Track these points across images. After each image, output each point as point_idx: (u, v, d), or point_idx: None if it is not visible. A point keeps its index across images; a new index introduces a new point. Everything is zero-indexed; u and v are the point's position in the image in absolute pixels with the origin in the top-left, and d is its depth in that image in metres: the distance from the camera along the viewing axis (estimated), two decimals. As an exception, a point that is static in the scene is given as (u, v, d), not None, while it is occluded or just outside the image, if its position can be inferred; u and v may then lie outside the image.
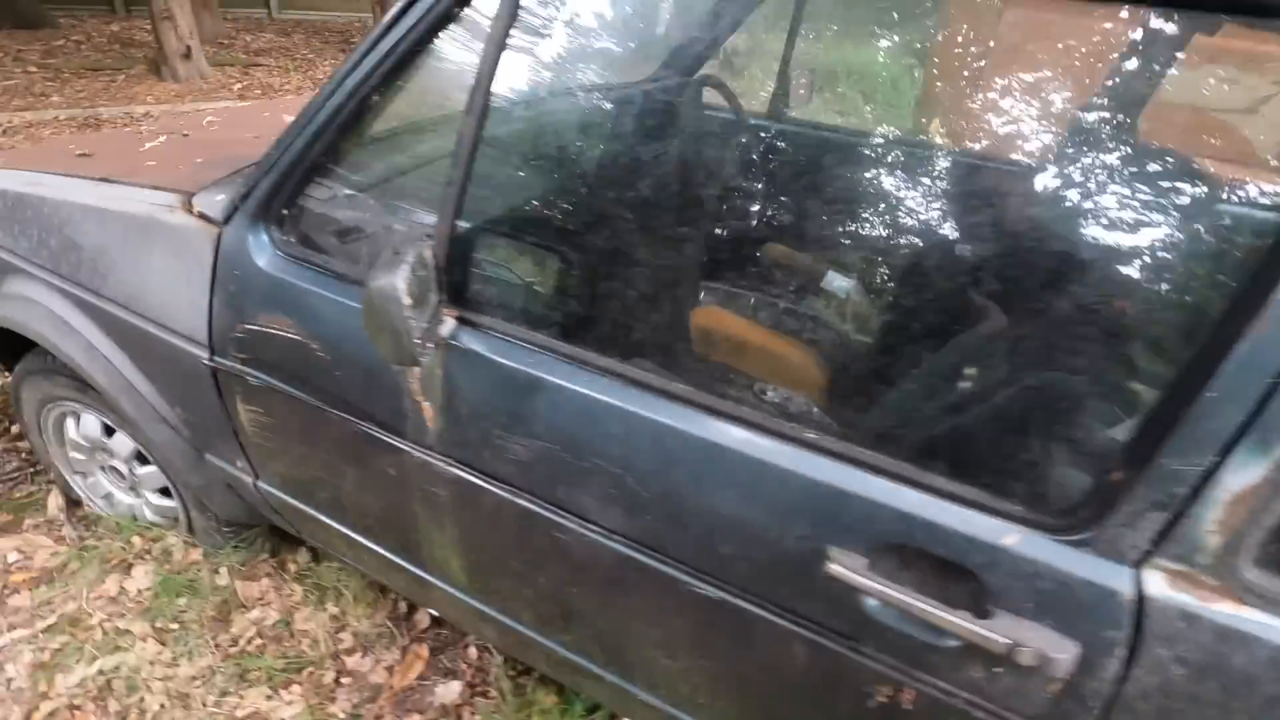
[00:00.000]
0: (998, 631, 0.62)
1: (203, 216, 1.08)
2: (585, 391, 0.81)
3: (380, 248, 0.87)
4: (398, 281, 0.71)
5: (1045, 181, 1.19)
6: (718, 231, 1.31)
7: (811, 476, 0.70)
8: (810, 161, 1.50)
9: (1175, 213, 0.92)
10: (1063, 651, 0.61)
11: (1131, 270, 0.87)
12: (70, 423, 1.51)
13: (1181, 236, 0.91)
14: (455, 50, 0.84)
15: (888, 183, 1.21)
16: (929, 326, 0.93)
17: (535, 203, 1.07)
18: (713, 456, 0.75)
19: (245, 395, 1.11)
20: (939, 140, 1.57)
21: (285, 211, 1.01)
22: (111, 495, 1.60)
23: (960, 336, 0.88)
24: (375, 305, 0.72)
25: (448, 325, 0.85)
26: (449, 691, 1.36)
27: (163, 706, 1.26)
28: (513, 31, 0.77)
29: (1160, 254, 0.88)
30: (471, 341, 0.86)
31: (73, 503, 1.67)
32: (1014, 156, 1.32)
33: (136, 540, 1.52)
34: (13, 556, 1.53)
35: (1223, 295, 0.70)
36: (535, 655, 1.11)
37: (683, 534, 0.79)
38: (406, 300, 0.72)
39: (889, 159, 1.30)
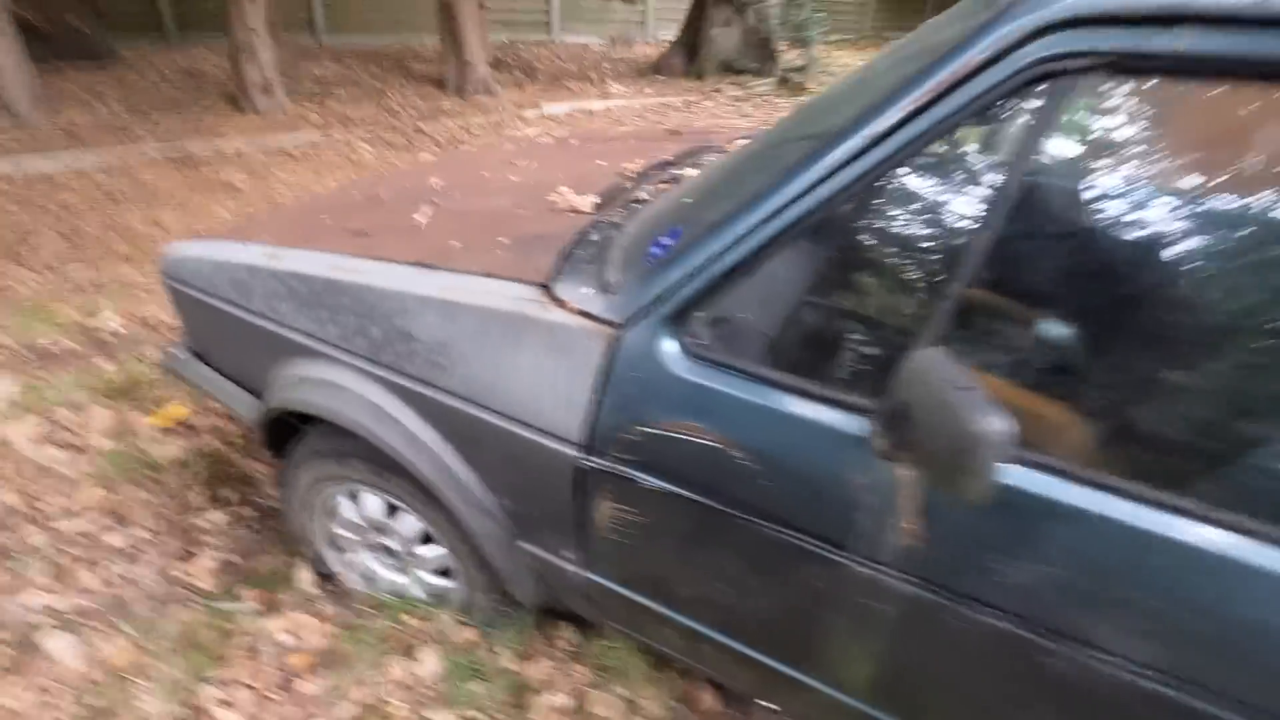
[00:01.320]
0: None
1: (586, 315, 1.05)
2: (1102, 513, 0.77)
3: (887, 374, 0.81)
4: (994, 422, 0.67)
5: None
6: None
7: None
8: None
9: None
10: None
11: None
12: (345, 501, 1.48)
13: None
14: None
15: None
16: None
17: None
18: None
19: (619, 496, 1.08)
20: None
21: (691, 315, 0.98)
22: (373, 575, 1.57)
23: None
24: (966, 450, 0.68)
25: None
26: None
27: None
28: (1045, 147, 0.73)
29: None
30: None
31: (323, 575, 1.64)
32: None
33: (412, 622, 1.49)
34: (286, 640, 1.50)
35: None
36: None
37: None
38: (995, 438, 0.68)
39: None
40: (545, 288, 1.12)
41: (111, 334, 2.70)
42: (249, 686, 1.40)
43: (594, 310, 1.05)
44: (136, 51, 7.52)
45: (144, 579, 1.65)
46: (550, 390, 1.08)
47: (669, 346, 0.98)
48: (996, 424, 0.67)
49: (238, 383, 1.55)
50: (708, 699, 1.45)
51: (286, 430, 1.45)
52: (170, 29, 8.38)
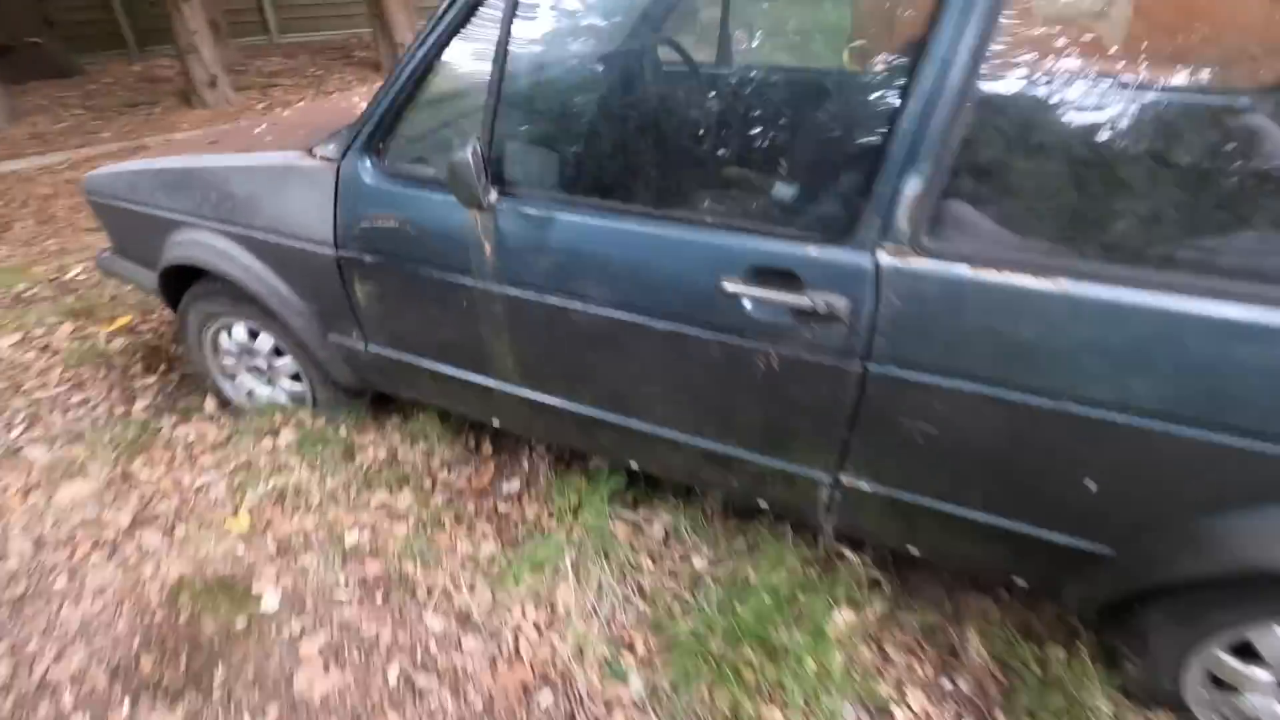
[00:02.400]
0: (810, 295, 1.17)
1: (324, 158, 1.65)
2: (578, 220, 1.36)
3: (449, 156, 1.41)
4: (468, 155, 1.27)
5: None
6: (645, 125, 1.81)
7: (699, 238, 1.25)
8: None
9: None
10: (844, 300, 1.16)
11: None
12: (224, 335, 2.10)
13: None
14: (484, 29, 1.39)
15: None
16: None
17: (541, 122, 1.60)
18: (656, 244, 1.30)
19: (362, 274, 1.68)
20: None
21: (379, 146, 1.58)
22: (253, 391, 2.20)
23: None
24: (457, 170, 1.28)
25: (493, 195, 1.41)
26: (511, 486, 1.94)
27: (320, 502, 1.85)
28: (517, 13, 1.32)
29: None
30: (507, 203, 1.41)
31: (223, 404, 2.27)
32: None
33: (277, 417, 2.11)
34: (191, 437, 2.13)
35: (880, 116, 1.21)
36: (568, 426, 1.67)
37: (644, 293, 1.34)
38: (472, 163, 1.28)
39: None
40: (309, 151, 1.72)
41: (75, 280, 3.32)
42: (163, 461, 2.03)
43: (327, 155, 1.65)
44: (99, 64, 8.10)
45: (96, 417, 2.28)
46: (313, 212, 1.68)
47: (364, 167, 1.58)
48: (467, 161, 1.26)
49: (145, 266, 2.16)
50: (487, 446, 2.07)
51: (180, 290, 2.06)
52: (130, 43, 8.90)
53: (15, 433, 2.21)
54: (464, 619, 1.59)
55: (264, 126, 2.17)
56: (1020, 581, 1.37)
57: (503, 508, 1.89)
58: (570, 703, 1.43)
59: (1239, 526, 1.06)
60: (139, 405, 2.33)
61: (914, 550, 1.44)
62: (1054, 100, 1.14)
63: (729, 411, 1.41)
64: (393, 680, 1.48)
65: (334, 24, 9.85)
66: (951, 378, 1.15)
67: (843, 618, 1.55)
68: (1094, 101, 1.12)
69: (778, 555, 1.64)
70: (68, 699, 1.43)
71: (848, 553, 1.61)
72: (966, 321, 1.11)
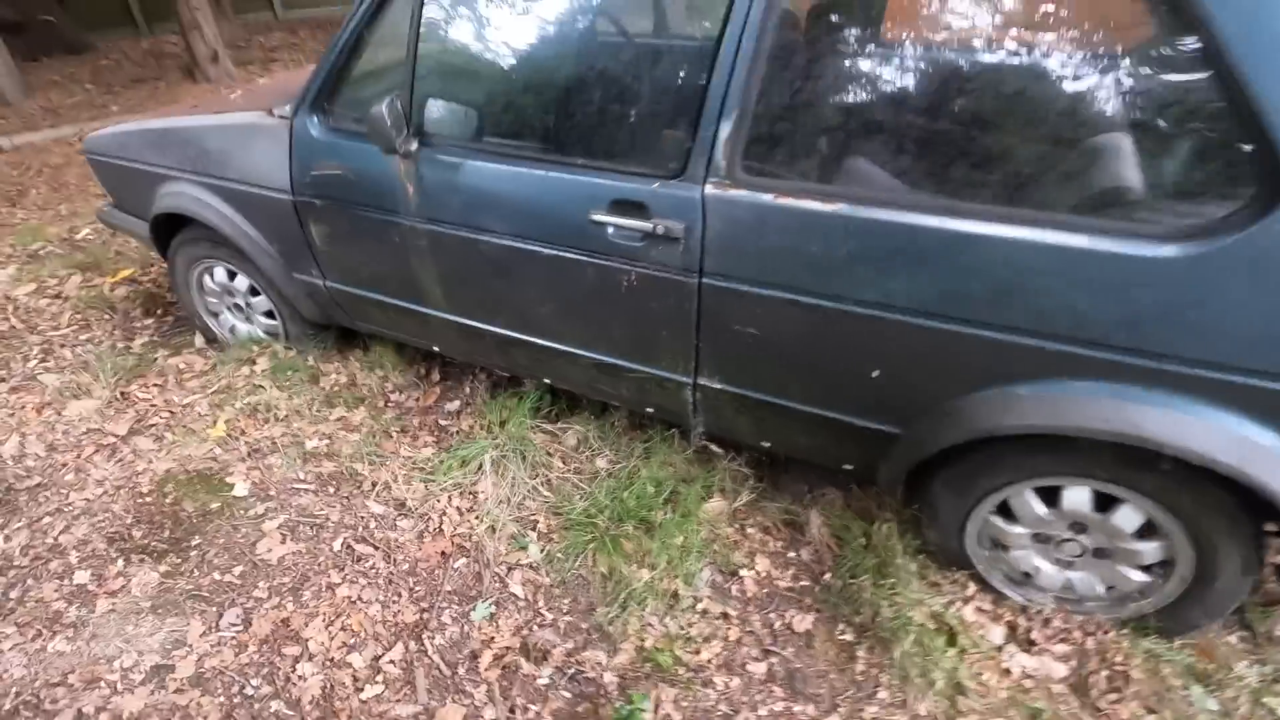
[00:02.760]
0: (655, 222, 1.44)
1: (281, 117, 1.93)
2: (481, 165, 1.64)
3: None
4: (383, 109, 1.55)
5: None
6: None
7: (573, 178, 1.53)
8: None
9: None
10: (680, 225, 1.43)
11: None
12: (207, 277, 2.41)
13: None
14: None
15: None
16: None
17: (451, 83, 1.87)
18: (542, 184, 1.57)
19: (315, 216, 1.97)
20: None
21: (324, 104, 1.85)
22: (235, 328, 2.51)
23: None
24: (373, 123, 1.56)
25: (414, 144, 1.69)
26: (453, 405, 2.25)
27: (287, 416, 2.16)
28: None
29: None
30: (425, 152, 1.69)
31: (210, 340, 2.58)
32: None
33: (254, 348, 2.42)
34: (181, 366, 2.45)
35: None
36: (489, 347, 1.95)
37: (533, 224, 1.62)
38: (388, 119, 1.56)
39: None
40: (269, 111, 2.00)
41: (84, 239, 3.65)
42: (156, 385, 2.36)
43: (283, 114, 1.93)
44: (109, 42, 8.39)
45: (100, 351, 2.61)
46: (273, 163, 1.97)
47: (312, 123, 1.87)
48: (383, 113, 1.54)
49: (138, 216, 2.47)
50: (436, 374, 2.38)
51: (169, 238, 2.37)
52: (140, 21, 9.18)
53: (31, 363, 2.54)
54: (400, 505, 1.91)
55: (239, 93, 2.45)
56: (847, 466, 1.65)
57: (443, 422, 2.19)
58: (479, 565, 1.74)
59: (974, 402, 1.33)
60: (138, 341, 2.66)
61: (766, 444, 1.73)
62: (832, 59, 1.41)
63: (607, 325, 1.69)
64: (337, 549, 1.79)
65: (336, 1, 10.06)
66: (764, 287, 1.42)
67: (713, 505, 1.84)
68: (864, 63, 1.38)
69: (666, 456, 1.93)
70: (74, 557, 1.76)
71: (714, 448, 1.90)
72: (771, 239, 1.38)
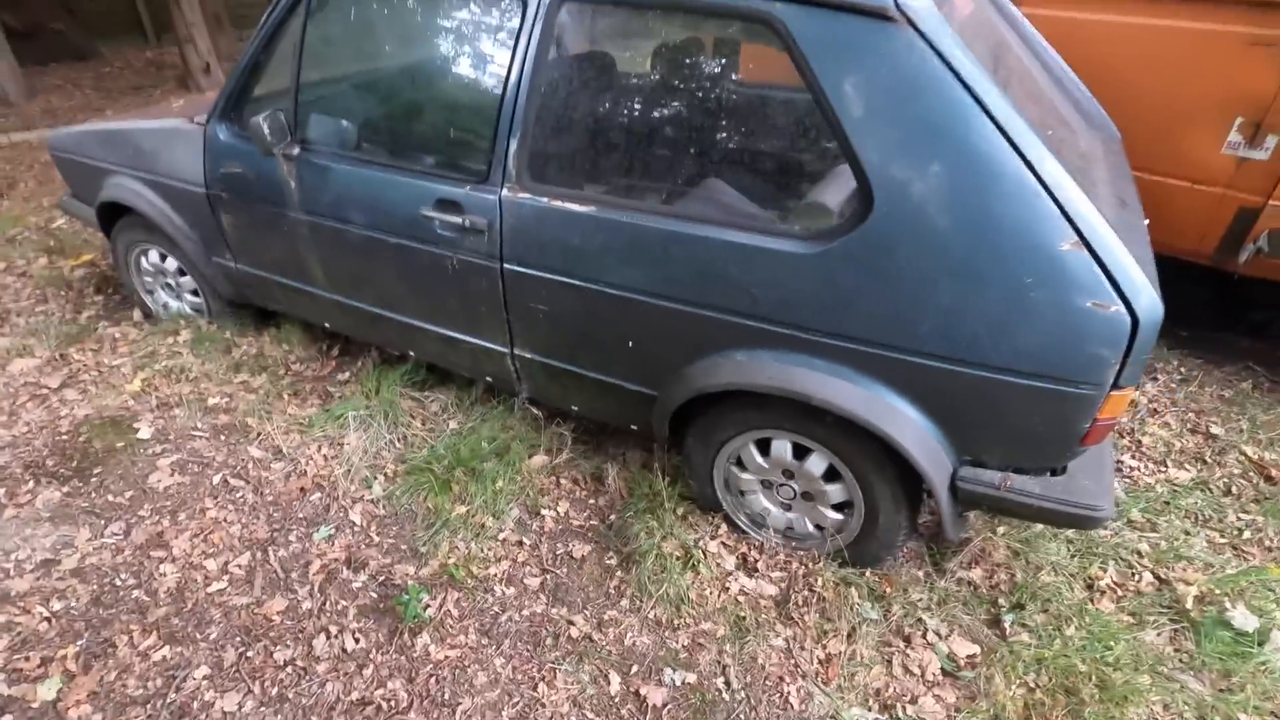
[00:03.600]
0: (466, 218, 1.81)
1: (199, 123, 2.32)
2: (345, 168, 2.02)
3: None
4: (260, 120, 1.93)
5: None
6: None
7: (409, 180, 1.90)
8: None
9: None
10: (484, 220, 1.80)
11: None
12: (143, 258, 2.78)
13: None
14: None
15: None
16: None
17: (324, 99, 2.26)
18: (388, 184, 1.95)
19: (224, 207, 2.35)
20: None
21: (231, 114, 2.24)
22: (167, 305, 2.88)
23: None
24: (252, 130, 1.94)
25: (296, 149, 2.07)
26: (343, 376, 2.60)
27: (196, 378, 2.52)
28: (307, 23, 1.98)
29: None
30: (305, 155, 2.07)
31: (146, 315, 2.95)
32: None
33: (180, 322, 2.79)
34: (116, 335, 2.81)
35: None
36: (363, 322, 2.31)
37: (381, 217, 1.99)
38: (265, 128, 1.93)
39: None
40: (191, 119, 2.39)
41: (58, 229, 4.04)
42: (92, 349, 2.72)
43: (200, 121, 2.32)
44: (115, 51, 8.91)
45: (52, 322, 2.97)
46: (192, 161, 2.35)
47: (221, 129, 2.25)
48: (260, 122, 1.93)
49: (90, 205, 2.85)
50: (335, 351, 2.74)
51: (113, 223, 2.75)
52: (149, 32, 9.71)
53: (-12, 329, 2.91)
54: (277, 451, 2.25)
55: (181, 102, 2.85)
56: (634, 426, 2.00)
57: (331, 389, 2.55)
58: (330, 499, 2.08)
59: (696, 368, 1.69)
60: (85, 314, 3.02)
61: (575, 407, 2.08)
62: (585, 97, 1.80)
63: (442, 303, 2.05)
64: (216, 482, 2.14)
65: (335, 20, 10.58)
66: (544, 271, 1.78)
67: (536, 460, 2.18)
68: (605, 101, 1.76)
69: (505, 420, 2.28)
70: (-7, 480, 2.12)
71: (536, 412, 2.25)
72: (546, 233, 1.74)
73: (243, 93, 2.21)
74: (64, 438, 2.27)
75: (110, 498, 2.07)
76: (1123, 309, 1.28)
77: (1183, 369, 2.69)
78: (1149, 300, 1.28)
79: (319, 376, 2.62)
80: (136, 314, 2.96)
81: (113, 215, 2.72)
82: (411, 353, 2.37)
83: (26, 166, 5.25)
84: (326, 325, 2.51)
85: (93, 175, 2.70)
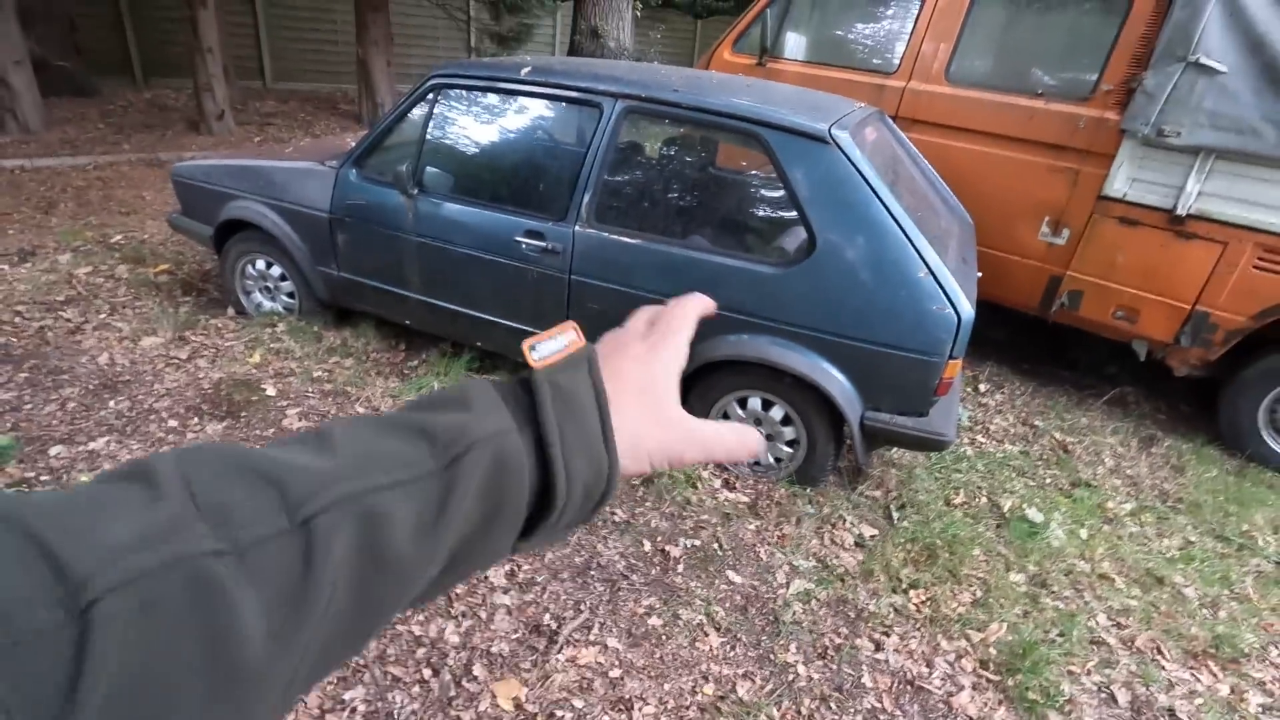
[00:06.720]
0: (549, 243, 2.70)
1: (331, 166, 3.15)
2: (455, 205, 2.88)
3: (396, 170, 2.93)
4: (403, 169, 2.79)
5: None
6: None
7: (507, 217, 2.79)
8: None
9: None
10: (561, 245, 2.69)
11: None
12: (250, 266, 3.51)
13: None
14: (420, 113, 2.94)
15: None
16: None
17: (438, 160, 3.14)
18: (488, 219, 2.82)
19: (342, 229, 3.15)
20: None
21: (362, 162, 3.08)
22: (261, 304, 3.60)
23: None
24: (397, 177, 2.80)
25: (416, 190, 2.92)
26: (414, 362, 3.38)
27: (301, 356, 3.24)
28: (433, 111, 2.88)
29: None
30: (423, 196, 2.92)
31: (240, 311, 3.65)
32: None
33: (276, 316, 3.50)
34: (219, 325, 3.50)
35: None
36: (444, 318, 3.13)
37: (482, 241, 2.85)
38: (404, 172, 2.79)
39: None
40: (322, 162, 3.21)
41: (117, 243, 4.65)
42: (203, 333, 3.40)
43: (332, 165, 3.15)
44: (112, 89, 9.46)
45: (166, 312, 3.62)
46: (320, 194, 3.16)
47: (351, 172, 3.08)
48: (398, 170, 2.79)
49: (203, 223, 3.57)
50: (403, 345, 3.51)
51: (223, 240, 3.48)
52: (138, 73, 10.29)
53: (103, 315, 3.54)
54: (375, 409, 3.00)
55: (291, 149, 3.66)
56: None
57: (405, 372, 3.32)
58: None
59: (707, 344, 2.60)
60: (182, 310, 3.69)
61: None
62: (643, 161, 2.77)
63: (519, 303, 2.91)
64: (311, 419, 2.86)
65: (322, 78, 11.45)
66: (603, 281, 2.68)
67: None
68: (651, 171, 2.73)
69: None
70: (165, 415, 2.77)
71: None
72: (606, 255, 2.65)
73: (372, 150, 3.06)
74: (208, 391, 2.95)
75: (259, 431, 2.76)
76: (952, 311, 2.28)
77: (1021, 387, 3.80)
78: (967, 308, 2.29)
79: (394, 362, 3.38)
80: (229, 311, 3.65)
81: (227, 231, 3.46)
82: (479, 343, 3.19)
83: (60, 189, 5.80)
84: (407, 322, 3.30)
85: (216, 199, 3.45)
